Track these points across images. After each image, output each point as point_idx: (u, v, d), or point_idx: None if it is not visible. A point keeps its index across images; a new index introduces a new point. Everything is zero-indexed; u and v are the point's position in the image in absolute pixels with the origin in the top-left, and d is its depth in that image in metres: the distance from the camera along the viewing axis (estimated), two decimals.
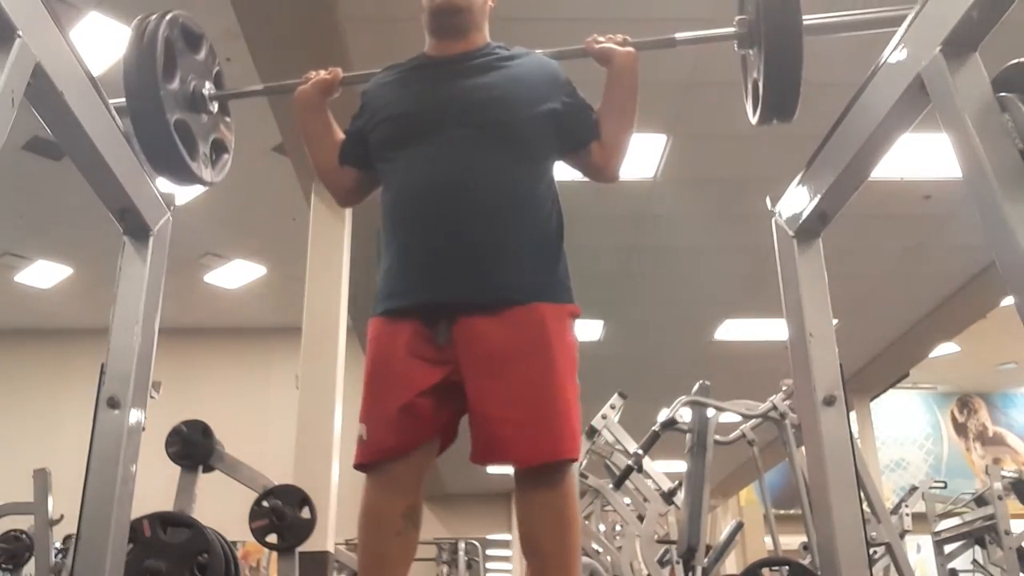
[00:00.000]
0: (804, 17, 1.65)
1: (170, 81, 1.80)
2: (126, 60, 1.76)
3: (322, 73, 1.86)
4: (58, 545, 4.94)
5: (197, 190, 6.58)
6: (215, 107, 1.97)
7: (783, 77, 1.67)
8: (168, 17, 1.81)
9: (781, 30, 1.64)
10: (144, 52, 1.75)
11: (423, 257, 1.64)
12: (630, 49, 1.80)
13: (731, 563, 7.78)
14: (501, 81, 1.73)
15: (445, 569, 9.95)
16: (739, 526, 4.83)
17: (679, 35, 1.86)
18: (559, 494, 1.59)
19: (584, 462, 4.64)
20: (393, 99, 1.77)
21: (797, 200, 1.80)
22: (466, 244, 1.61)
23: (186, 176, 1.86)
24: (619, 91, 1.81)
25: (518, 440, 1.55)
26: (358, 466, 1.63)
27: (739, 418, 3.95)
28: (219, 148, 2.01)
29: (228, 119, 2.06)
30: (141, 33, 1.77)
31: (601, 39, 1.82)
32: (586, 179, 1.85)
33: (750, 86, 1.84)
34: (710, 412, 3.87)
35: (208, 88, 1.94)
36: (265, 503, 3.37)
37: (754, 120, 1.82)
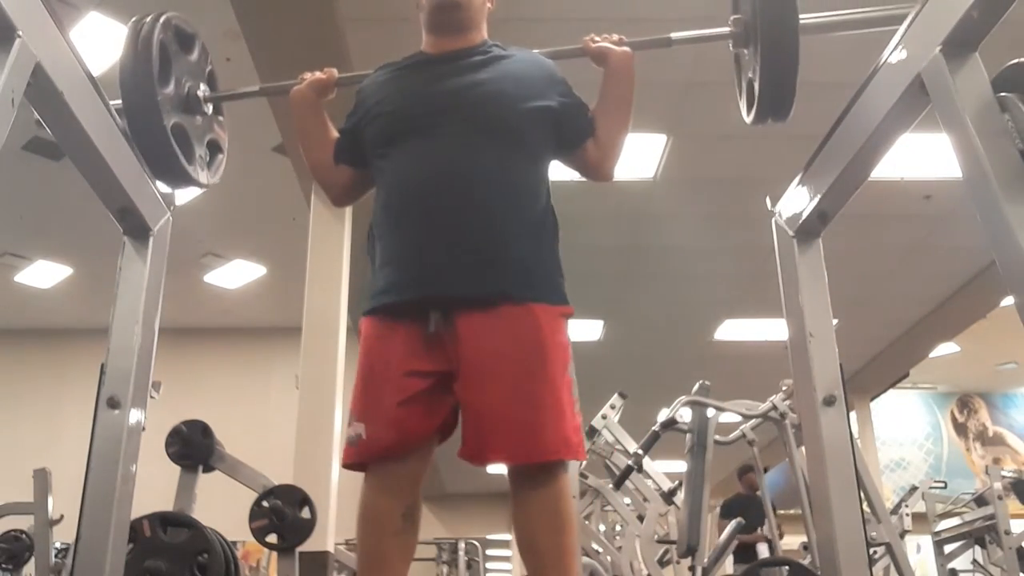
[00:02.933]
0: (801, 16, 1.65)
1: (166, 85, 1.79)
2: (122, 65, 1.75)
3: (317, 73, 1.86)
4: (58, 545, 4.94)
5: (197, 190, 6.57)
6: (210, 108, 1.97)
7: (779, 76, 1.67)
8: (162, 19, 1.80)
9: (777, 29, 1.64)
10: (140, 57, 1.74)
11: (418, 252, 1.64)
12: (626, 49, 1.81)
13: (731, 563, 7.76)
14: (497, 77, 1.73)
15: (445, 569, 9.95)
16: (739, 526, 4.83)
17: (675, 35, 1.86)
18: (552, 494, 1.58)
19: (584, 462, 4.64)
20: (388, 95, 1.77)
21: (797, 200, 1.80)
22: (462, 239, 1.61)
23: (184, 179, 1.86)
24: (615, 90, 1.82)
25: (509, 438, 1.55)
26: (355, 465, 1.62)
27: (739, 418, 3.95)
28: (214, 149, 2.02)
29: (222, 119, 2.06)
30: (136, 37, 1.76)
31: (597, 39, 1.83)
32: (585, 179, 1.85)
33: (744, 85, 1.85)
34: (710, 412, 3.86)
35: (203, 90, 1.94)
36: (265, 503, 3.37)
37: (749, 119, 1.82)
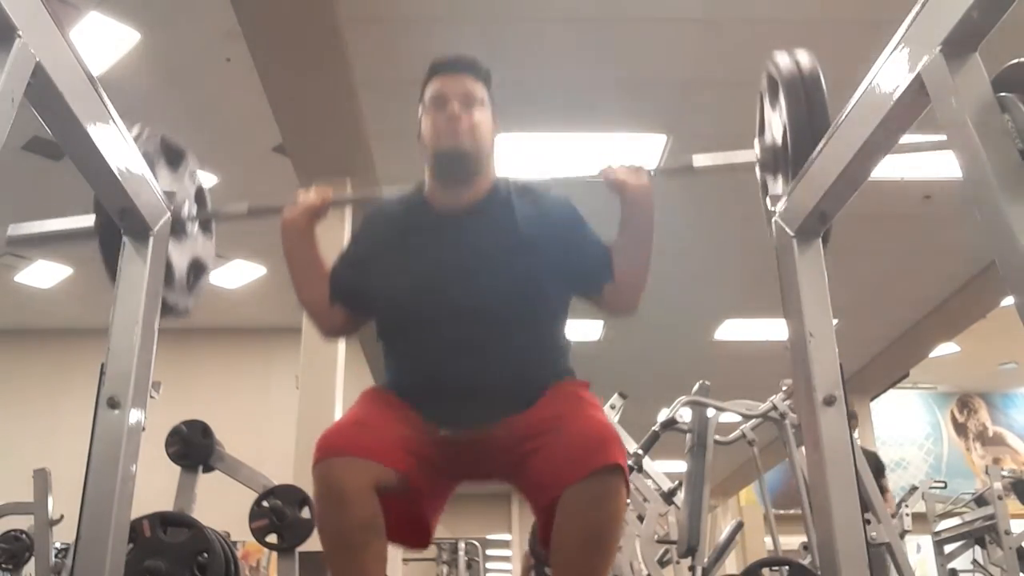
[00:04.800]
0: None
1: None
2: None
3: (311, 196, 1.80)
4: (58, 545, 4.94)
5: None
6: (195, 228, 1.91)
7: None
8: (145, 135, 1.74)
9: (808, 157, 1.61)
10: None
11: (431, 403, 1.62)
12: (644, 181, 1.73)
13: (731, 563, 7.77)
14: (510, 238, 1.66)
15: (445, 569, 9.95)
16: (739, 526, 4.83)
17: (696, 160, 1.82)
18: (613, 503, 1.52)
19: None
20: (395, 262, 1.69)
21: (797, 200, 1.80)
22: (476, 402, 1.60)
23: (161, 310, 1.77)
24: (634, 225, 1.73)
25: (568, 467, 1.49)
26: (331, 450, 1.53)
27: (739, 418, 3.95)
28: (198, 269, 1.96)
29: (209, 232, 2.00)
30: None
31: (615, 167, 1.75)
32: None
33: (769, 207, 1.84)
34: (710, 412, 3.86)
35: (187, 209, 1.86)
36: (265, 503, 3.37)
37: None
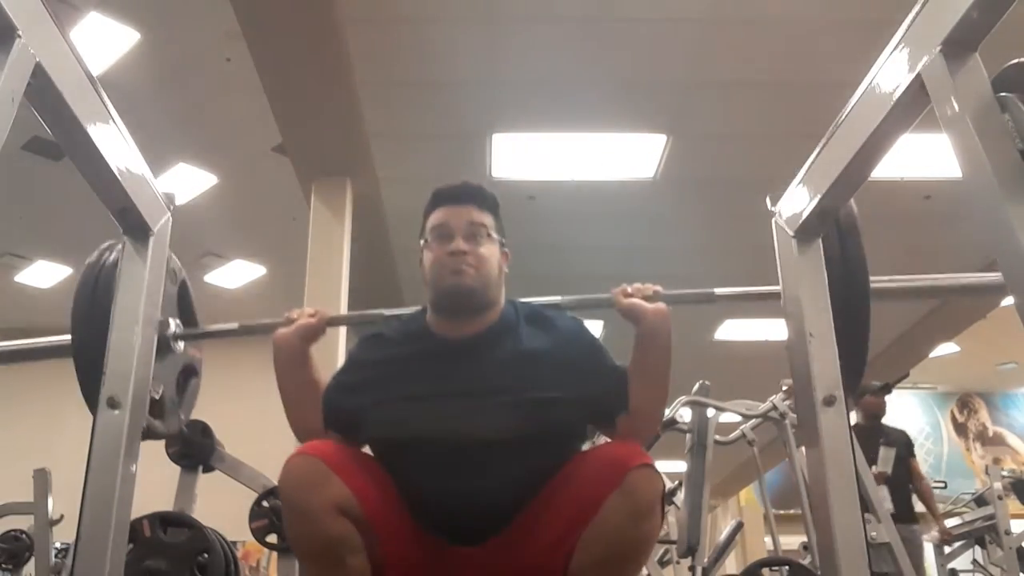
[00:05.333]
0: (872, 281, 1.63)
1: None
2: (75, 299, 1.71)
3: (306, 314, 1.70)
4: (58, 545, 4.94)
5: (198, 189, 6.58)
6: (181, 346, 1.89)
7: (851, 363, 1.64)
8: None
9: (849, 317, 1.62)
10: (96, 297, 1.71)
11: (434, 526, 1.54)
12: (661, 306, 1.61)
13: (731, 563, 7.77)
14: (518, 364, 1.56)
15: None
16: (739, 526, 4.83)
17: (718, 291, 1.78)
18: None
19: None
20: (397, 395, 1.58)
21: (797, 200, 1.80)
22: (477, 530, 1.52)
23: (151, 437, 1.76)
24: (650, 353, 1.60)
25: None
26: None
27: (739, 418, 3.95)
28: (187, 375, 1.96)
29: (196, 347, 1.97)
30: (95, 272, 1.73)
31: (630, 290, 1.64)
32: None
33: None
34: (710, 412, 3.87)
35: (173, 327, 1.83)
36: (265, 503, 3.36)
37: None
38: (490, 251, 1.63)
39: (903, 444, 5.03)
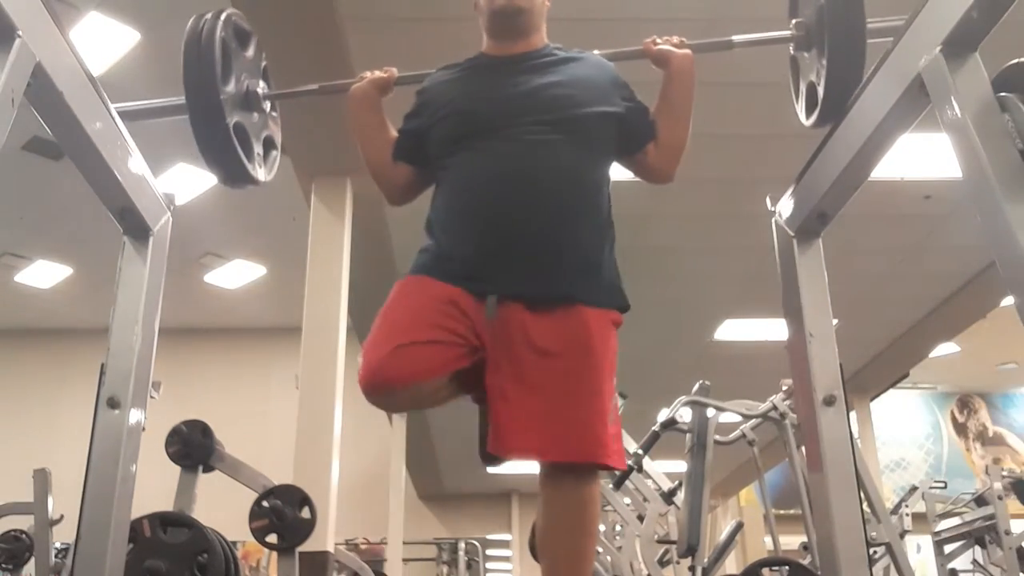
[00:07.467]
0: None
1: (227, 83, 1.84)
2: (185, 64, 1.80)
3: (378, 72, 1.88)
4: (58, 545, 4.94)
5: (198, 189, 6.58)
6: (268, 106, 2.01)
7: (845, 79, 1.64)
8: (223, 17, 1.84)
9: (845, 32, 1.63)
10: (203, 57, 1.79)
11: (484, 249, 1.63)
12: (687, 51, 1.82)
13: (731, 563, 7.77)
14: (563, 80, 1.74)
15: (445, 569, 9.96)
16: (739, 526, 4.83)
17: (736, 38, 1.89)
18: (580, 498, 1.57)
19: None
20: (456, 95, 1.78)
21: (797, 200, 1.80)
22: (531, 238, 1.62)
23: (242, 178, 1.91)
24: (677, 92, 1.82)
25: (546, 433, 1.53)
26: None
27: (739, 418, 3.95)
28: (269, 145, 2.07)
29: (276, 114, 2.11)
30: (198, 36, 1.81)
31: (659, 41, 1.84)
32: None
33: (804, 88, 1.84)
34: (710, 412, 3.87)
35: (261, 87, 1.97)
36: (265, 503, 3.37)
37: (809, 123, 1.81)
38: None
39: None
